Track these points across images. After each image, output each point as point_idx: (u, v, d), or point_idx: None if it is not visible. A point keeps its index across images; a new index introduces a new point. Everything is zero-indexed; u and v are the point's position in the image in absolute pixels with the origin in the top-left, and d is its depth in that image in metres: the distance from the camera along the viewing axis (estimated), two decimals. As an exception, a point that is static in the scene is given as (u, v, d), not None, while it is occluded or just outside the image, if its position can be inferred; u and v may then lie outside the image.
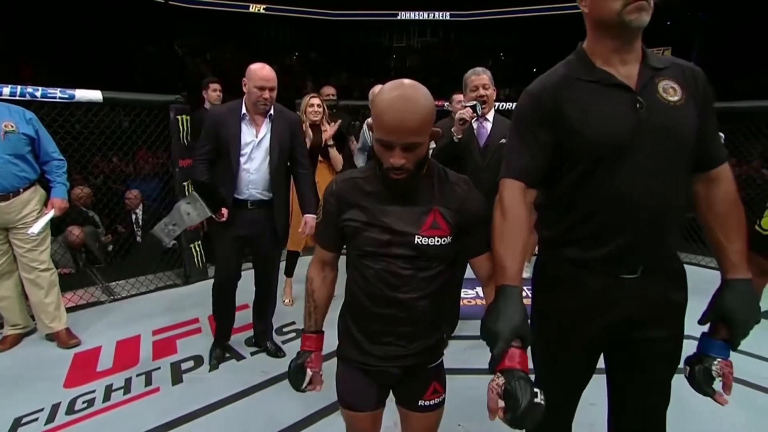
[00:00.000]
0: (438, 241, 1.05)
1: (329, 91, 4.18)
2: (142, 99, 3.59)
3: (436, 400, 1.18)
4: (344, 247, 1.18)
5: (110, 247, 4.52)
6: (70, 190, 4.25)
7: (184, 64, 13.91)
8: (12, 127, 2.44)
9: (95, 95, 3.18)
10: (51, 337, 2.70)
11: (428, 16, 18.23)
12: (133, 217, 4.70)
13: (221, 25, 15.70)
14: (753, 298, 1.04)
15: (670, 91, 1.00)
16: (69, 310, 3.07)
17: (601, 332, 1.10)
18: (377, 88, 2.90)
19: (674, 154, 1.00)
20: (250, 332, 2.84)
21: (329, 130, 3.16)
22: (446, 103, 3.46)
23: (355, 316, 1.16)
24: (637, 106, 0.99)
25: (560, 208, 1.10)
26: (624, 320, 1.07)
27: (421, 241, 1.04)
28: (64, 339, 2.67)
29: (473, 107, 2.33)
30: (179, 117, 3.57)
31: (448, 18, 17.97)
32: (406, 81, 0.99)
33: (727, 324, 1.03)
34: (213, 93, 3.98)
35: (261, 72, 2.18)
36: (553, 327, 1.15)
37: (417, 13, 18.09)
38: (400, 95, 0.95)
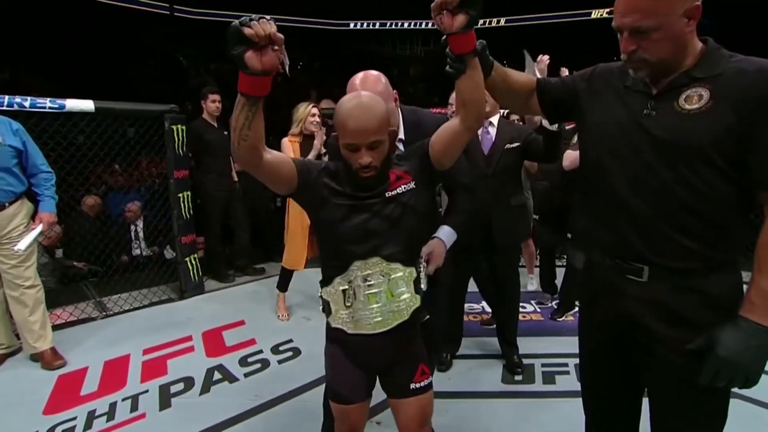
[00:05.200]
0: (405, 188, 1.18)
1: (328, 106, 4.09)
2: (135, 109, 3.49)
3: (425, 382, 1.27)
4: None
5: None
6: (82, 198, 4.16)
7: (187, 74, 13.94)
8: None
9: (87, 105, 3.08)
10: (36, 357, 2.57)
11: (432, 25, 18.29)
12: (132, 229, 4.54)
13: (225, 35, 15.79)
14: (752, 345, 0.90)
15: (694, 99, 0.94)
16: (59, 327, 2.96)
17: (609, 319, 1.10)
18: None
19: (679, 160, 0.95)
20: (245, 351, 2.72)
21: (318, 138, 3.02)
22: (450, 111, 3.34)
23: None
24: (645, 112, 0.99)
25: (579, 198, 1.18)
26: (625, 316, 1.05)
27: (390, 194, 1.16)
28: (49, 359, 2.54)
29: None
30: (174, 127, 3.47)
31: (451, 27, 18.00)
32: (363, 92, 1.19)
33: (708, 354, 0.92)
34: (212, 104, 3.86)
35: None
36: (583, 308, 1.26)
37: (420, 22, 18.15)
38: (357, 104, 1.13)
